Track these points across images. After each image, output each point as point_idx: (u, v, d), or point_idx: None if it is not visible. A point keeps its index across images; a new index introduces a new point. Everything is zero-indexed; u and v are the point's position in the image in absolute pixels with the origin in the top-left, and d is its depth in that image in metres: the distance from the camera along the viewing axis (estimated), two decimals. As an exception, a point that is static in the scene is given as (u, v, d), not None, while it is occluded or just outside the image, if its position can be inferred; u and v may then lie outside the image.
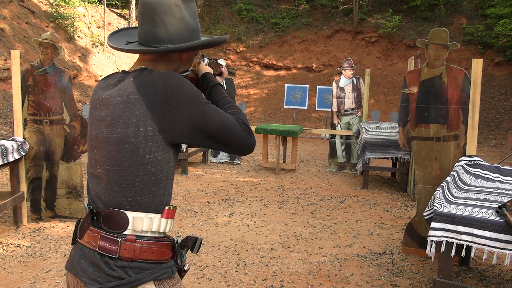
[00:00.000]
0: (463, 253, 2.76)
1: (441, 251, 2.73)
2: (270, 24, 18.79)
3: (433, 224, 2.77)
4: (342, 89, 7.67)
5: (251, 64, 18.24)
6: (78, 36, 14.20)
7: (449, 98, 4.08)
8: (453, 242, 2.69)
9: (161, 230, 1.29)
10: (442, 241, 2.72)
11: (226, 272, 3.49)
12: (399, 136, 4.33)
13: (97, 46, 14.68)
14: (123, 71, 1.33)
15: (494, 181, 3.52)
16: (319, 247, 4.10)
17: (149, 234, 1.26)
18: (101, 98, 1.31)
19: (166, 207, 1.30)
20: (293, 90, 11.79)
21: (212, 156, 8.21)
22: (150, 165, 1.23)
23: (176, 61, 1.37)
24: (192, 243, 1.36)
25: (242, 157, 8.40)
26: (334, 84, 7.78)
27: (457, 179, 3.39)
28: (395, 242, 4.26)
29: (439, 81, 4.05)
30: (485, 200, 2.98)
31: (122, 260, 1.22)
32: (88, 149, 1.35)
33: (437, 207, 2.82)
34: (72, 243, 1.37)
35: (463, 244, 2.68)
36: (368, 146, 6.31)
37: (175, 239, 1.35)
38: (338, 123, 7.72)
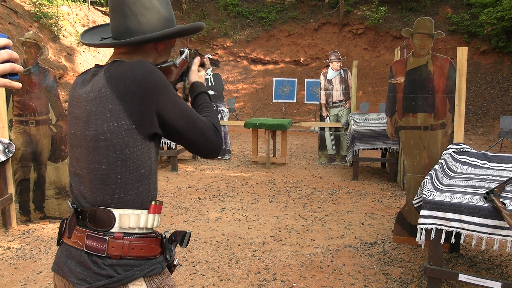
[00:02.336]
0: (453, 240, 2.78)
1: (431, 238, 2.76)
2: (256, 18, 18.76)
3: (422, 212, 2.79)
4: (330, 82, 7.68)
5: (238, 59, 18.20)
6: (63, 35, 14.04)
7: (435, 87, 4.11)
8: (443, 229, 2.71)
9: (149, 225, 1.27)
10: (432, 228, 2.74)
11: (218, 267, 3.49)
12: (387, 126, 4.35)
13: (82, 45, 14.53)
14: (97, 65, 1.30)
15: (481, 167, 3.55)
16: (311, 239, 4.11)
17: (136, 231, 1.25)
18: (77, 95, 1.28)
19: (153, 203, 1.28)
20: (282, 84, 11.79)
21: (202, 152, 8.18)
22: (129, 160, 1.21)
23: (152, 52, 1.34)
24: (181, 238, 1.34)
25: (232, 152, 8.39)
26: (322, 76, 7.79)
27: (445, 167, 3.42)
28: (386, 231, 4.29)
29: (425, 70, 4.07)
30: (473, 186, 3.01)
31: (111, 258, 1.21)
32: (68, 148, 1.33)
33: (426, 195, 2.84)
34: (58, 244, 1.34)
35: (452, 231, 2.70)
36: (357, 138, 6.34)
37: (163, 234, 1.33)
38: (327, 115, 7.74)
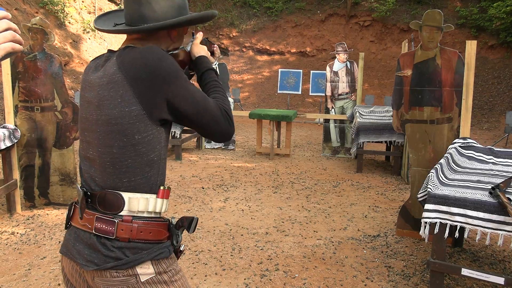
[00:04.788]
0: (457, 234, 2.78)
1: (435, 232, 2.75)
2: (263, 8, 18.62)
3: (427, 206, 2.78)
4: (336, 73, 7.64)
5: (244, 49, 18.12)
6: (69, 22, 14.01)
7: (442, 80, 4.07)
8: (447, 224, 2.70)
9: (157, 210, 1.29)
10: (436, 222, 2.73)
11: (221, 257, 3.50)
12: (393, 119, 4.32)
13: (88, 32, 14.51)
14: (110, 51, 1.31)
15: (487, 162, 3.53)
16: (314, 231, 4.11)
17: (145, 215, 1.26)
18: (89, 79, 1.29)
19: (161, 187, 1.30)
20: (287, 75, 11.74)
21: (206, 142, 8.18)
22: (140, 145, 1.22)
23: (165, 39, 1.35)
24: (188, 223, 1.35)
25: (236, 142, 8.38)
26: (328, 68, 7.75)
27: (450, 161, 3.40)
28: (389, 224, 4.29)
29: (433, 64, 4.03)
30: (478, 181, 2.99)
31: (119, 241, 1.22)
32: (79, 132, 1.34)
33: (431, 189, 2.83)
34: (66, 228, 1.36)
35: (456, 226, 2.69)
36: (362, 130, 6.32)
37: (170, 219, 1.34)
38: (332, 107, 7.70)
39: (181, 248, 1.40)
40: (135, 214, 1.25)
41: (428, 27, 3.99)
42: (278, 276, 3.18)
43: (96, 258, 1.23)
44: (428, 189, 2.84)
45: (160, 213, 1.32)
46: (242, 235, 3.98)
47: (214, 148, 8.12)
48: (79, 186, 1.32)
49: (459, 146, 3.73)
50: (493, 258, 3.53)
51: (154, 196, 1.28)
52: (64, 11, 13.86)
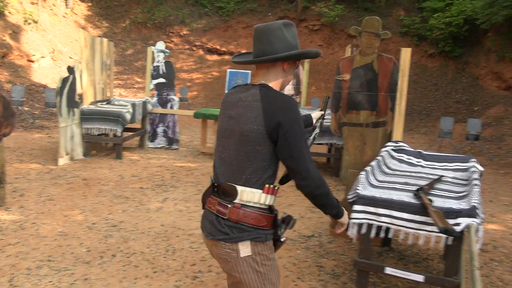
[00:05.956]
0: (383, 234, 2.86)
1: (362, 233, 2.82)
2: (215, 8, 18.53)
3: (355, 207, 2.84)
4: (281, 75, 7.70)
5: (194, 48, 17.95)
6: (9, 12, 13.29)
7: (379, 85, 4.21)
8: (373, 224, 2.78)
9: (261, 201, 1.69)
10: (363, 223, 2.80)
11: (154, 259, 3.43)
12: (331, 122, 4.41)
13: (29, 23, 13.82)
14: (250, 84, 1.77)
15: (416, 165, 3.68)
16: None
17: (251, 204, 1.68)
18: (232, 101, 1.76)
19: (267, 185, 1.69)
20: (235, 76, 11.71)
21: (150, 141, 8.01)
22: (259, 153, 1.66)
23: (280, 69, 1.76)
24: (287, 221, 1.80)
25: (180, 142, 8.26)
26: (273, 70, 7.80)
27: (381, 163, 3.51)
28: (324, 225, 4.37)
29: (370, 69, 4.15)
30: (405, 183, 3.10)
31: (230, 221, 1.67)
32: (217, 138, 1.82)
33: (359, 190, 2.90)
34: (202, 208, 1.85)
35: (382, 226, 2.77)
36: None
37: (276, 213, 1.77)
38: (277, 109, 7.76)
39: (281, 239, 1.80)
40: (244, 203, 1.68)
41: (367, 33, 4.10)
42: (210, 277, 3.15)
43: (213, 231, 1.71)
44: (357, 191, 2.91)
45: (265, 204, 1.71)
46: (177, 236, 3.92)
47: (157, 148, 7.96)
48: (211, 178, 1.81)
49: (391, 149, 3.86)
50: (418, 256, 3.68)
51: (260, 191, 1.69)
52: (4, 0, 13.14)
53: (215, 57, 17.75)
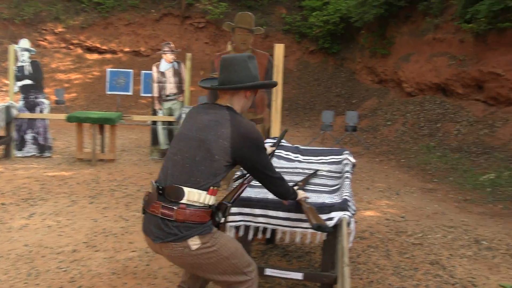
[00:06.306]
0: (261, 235, 2.77)
1: (240, 235, 2.70)
2: (92, 3, 17.34)
3: (232, 209, 2.71)
4: (163, 74, 7.40)
5: (71, 47, 16.66)
6: None
7: (256, 82, 4.14)
8: (250, 225, 2.68)
9: (206, 202, 1.92)
10: (240, 225, 2.69)
11: (11, 286, 2.98)
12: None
13: None
14: (217, 104, 2.06)
15: (293, 161, 3.67)
16: (129, 242, 3.82)
17: (196, 204, 1.89)
18: (200, 112, 2.05)
19: (211, 187, 1.92)
20: (116, 75, 11.12)
21: (17, 150, 7.15)
22: (215, 162, 1.91)
23: (243, 96, 2.08)
24: (223, 208, 2.04)
25: (53, 148, 7.51)
26: (154, 68, 7.48)
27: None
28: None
29: (244, 65, 4.07)
30: (282, 180, 3.05)
31: (177, 222, 1.86)
32: (173, 141, 2.05)
33: (235, 191, 2.77)
34: (143, 213, 2.04)
35: (259, 226, 2.68)
36: (188, 132, 6.19)
37: (212, 207, 2.00)
38: (160, 108, 7.45)
39: (221, 221, 2.03)
40: (190, 203, 1.88)
41: (240, 29, 4.01)
42: (77, 301, 2.81)
43: (161, 234, 1.89)
44: (233, 192, 2.78)
45: (208, 204, 1.94)
46: (43, 256, 3.48)
47: (26, 157, 7.14)
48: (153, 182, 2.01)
49: (269, 146, 3.82)
50: (301, 251, 3.70)
51: (205, 192, 1.91)
52: None
53: (95, 56, 16.68)
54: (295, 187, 2.74)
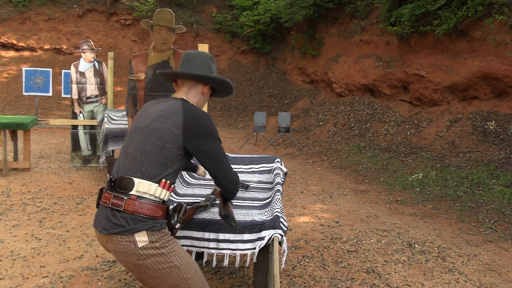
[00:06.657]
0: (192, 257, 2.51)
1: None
2: (6, -4, 16.03)
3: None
4: (82, 74, 6.86)
5: (-17, 43, 15.28)
6: None
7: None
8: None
9: (157, 194, 1.86)
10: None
11: None
12: (128, 126, 3.91)
13: None
14: (171, 97, 2.08)
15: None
16: (41, 266, 3.39)
17: (147, 196, 1.84)
18: (151, 105, 2.06)
19: (163, 180, 1.88)
20: (33, 75, 10.24)
21: None
22: (166, 150, 1.88)
23: (199, 91, 2.09)
24: (179, 209, 1.99)
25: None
26: (72, 68, 6.92)
27: (184, 174, 3.17)
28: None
29: (167, 67, 3.78)
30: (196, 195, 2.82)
31: (125, 213, 1.80)
32: (126, 136, 2.02)
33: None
34: (96, 207, 1.96)
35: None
36: (111, 137, 5.75)
37: (169, 206, 1.95)
38: (80, 111, 6.90)
39: (176, 227, 1.94)
40: (140, 194, 1.83)
41: (160, 27, 3.71)
42: None
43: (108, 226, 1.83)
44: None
45: (159, 198, 1.87)
46: None
47: None
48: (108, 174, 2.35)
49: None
50: (232, 266, 3.47)
51: (156, 185, 1.86)
52: None
53: (11, 53, 15.40)
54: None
